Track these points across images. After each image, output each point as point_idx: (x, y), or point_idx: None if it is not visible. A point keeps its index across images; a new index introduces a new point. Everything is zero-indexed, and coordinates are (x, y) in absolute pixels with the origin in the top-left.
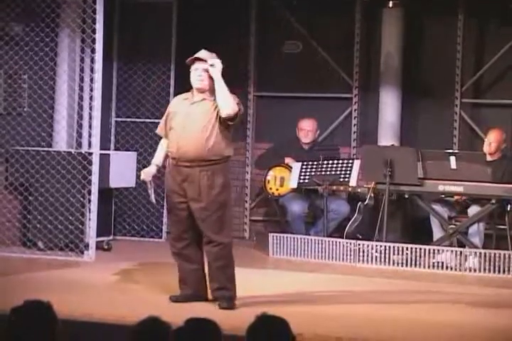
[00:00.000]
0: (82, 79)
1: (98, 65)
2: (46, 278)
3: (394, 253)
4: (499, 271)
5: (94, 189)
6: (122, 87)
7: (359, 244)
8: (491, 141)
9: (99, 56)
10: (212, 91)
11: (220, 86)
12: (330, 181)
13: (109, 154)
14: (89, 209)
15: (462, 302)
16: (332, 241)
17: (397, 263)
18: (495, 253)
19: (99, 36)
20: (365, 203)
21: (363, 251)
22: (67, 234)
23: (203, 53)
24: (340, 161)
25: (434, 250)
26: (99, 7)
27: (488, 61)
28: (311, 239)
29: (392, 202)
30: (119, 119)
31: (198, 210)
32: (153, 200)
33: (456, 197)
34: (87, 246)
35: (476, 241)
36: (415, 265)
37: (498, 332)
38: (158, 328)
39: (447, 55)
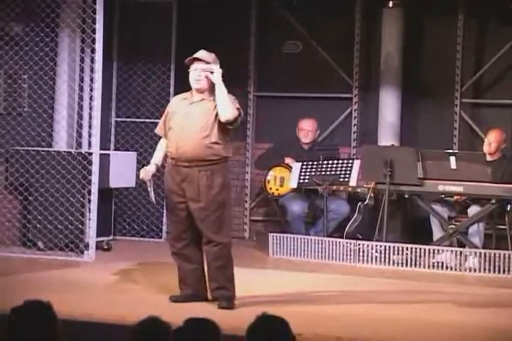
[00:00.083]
0: (82, 79)
1: (98, 65)
2: (46, 278)
3: (394, 253)
4: (499, 271)
5: (94, 189)
6: (122, 87)
7: (359, 244)
8: (491, 141)
9: (99, 56)
10: (211, 91)
11: (221, 91)
12: (330, 181)
13: (109, 154)
14: (89, 209)
15: (462, 302)
16: (332, 241)
17: (397, 263)
18: (495, 253)
19: (99, 36)
20: (365, 203)
21: (363, 251)
22: (67, 234)
23: (201, 53)
24: (340, 161)
25: (434, 250)
26: (99, 7)
27: (488, 61)
28: (311, 239)
29: (392, 202)
30: (119, 119)
31: (197, 210)
32: (153, 200)
33: (456, 197)
34: (87, 246)
35: (476, 241)
36: (415, 265)
37: (498, 332)
38: (158, 328)
39: (447, 55)
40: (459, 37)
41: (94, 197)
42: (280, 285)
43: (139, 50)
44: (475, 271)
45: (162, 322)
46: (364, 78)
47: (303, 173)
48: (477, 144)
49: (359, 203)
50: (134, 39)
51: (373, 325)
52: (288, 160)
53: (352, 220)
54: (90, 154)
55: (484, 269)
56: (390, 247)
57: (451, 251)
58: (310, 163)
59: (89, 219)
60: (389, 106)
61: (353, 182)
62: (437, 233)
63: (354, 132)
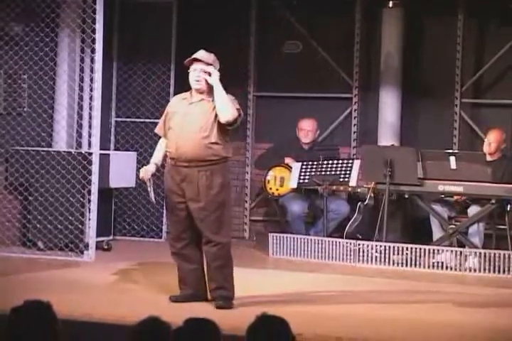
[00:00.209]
0: (82, 79)
1: (98, 65)
2: (46, 278)
3: (394, 253)
4: (499, 271)
5: (94, 189)
6: (122, 87)
7: (359, 244)
8: (491, 141)
9: (99, 56)
10: (210, 91)
11: (219, 92)
12: (330, 181)
13: (109, 154)
14: (89, 209)
15: (462, 302)
16: (332, 241)
17: (397, 263)
18: (495, 253)
19: (99, 36)
20: (365, 203)
21: (363, 251)
22: (67, 234)
23: (201, 54)
24: (340, 161)
25: (434, 250)
26: (99, 7)
27: (488, 61)
28: (311, 239)
29: (392, 202)
30: (119, 119)
31: (197, 210)
32: (153, 199)
33: (456, 197)
34: (87, 246)
35: (475, 241)
36: (415, 265)
37: (498, 332)
38: (158, 328)
39: (447, 55)
40: (459, 37)
41: (94, 197)
42: (280, 285)
43: (139, 50)
44: (475, 271)
45: (162, 322)
46: (364, 78)
47: (303, 173)
48: (477, 144)
49: (359, 203)
50: (134, 39)
51: (373, 325)
52: (288, 160)
53: (352, 220)
54: (90, 154)
55: (484, 269)
56: (390, 247)
57: (451, 251)
58: (310, 163)
59: (89, 219)
60: (389, 106)
61: (353, 182)
62: (437, 233)
63: (354, 132)
